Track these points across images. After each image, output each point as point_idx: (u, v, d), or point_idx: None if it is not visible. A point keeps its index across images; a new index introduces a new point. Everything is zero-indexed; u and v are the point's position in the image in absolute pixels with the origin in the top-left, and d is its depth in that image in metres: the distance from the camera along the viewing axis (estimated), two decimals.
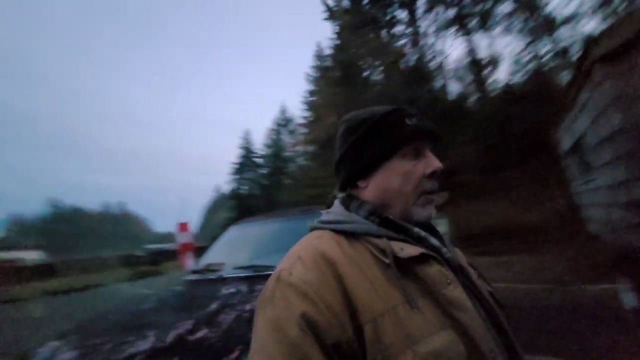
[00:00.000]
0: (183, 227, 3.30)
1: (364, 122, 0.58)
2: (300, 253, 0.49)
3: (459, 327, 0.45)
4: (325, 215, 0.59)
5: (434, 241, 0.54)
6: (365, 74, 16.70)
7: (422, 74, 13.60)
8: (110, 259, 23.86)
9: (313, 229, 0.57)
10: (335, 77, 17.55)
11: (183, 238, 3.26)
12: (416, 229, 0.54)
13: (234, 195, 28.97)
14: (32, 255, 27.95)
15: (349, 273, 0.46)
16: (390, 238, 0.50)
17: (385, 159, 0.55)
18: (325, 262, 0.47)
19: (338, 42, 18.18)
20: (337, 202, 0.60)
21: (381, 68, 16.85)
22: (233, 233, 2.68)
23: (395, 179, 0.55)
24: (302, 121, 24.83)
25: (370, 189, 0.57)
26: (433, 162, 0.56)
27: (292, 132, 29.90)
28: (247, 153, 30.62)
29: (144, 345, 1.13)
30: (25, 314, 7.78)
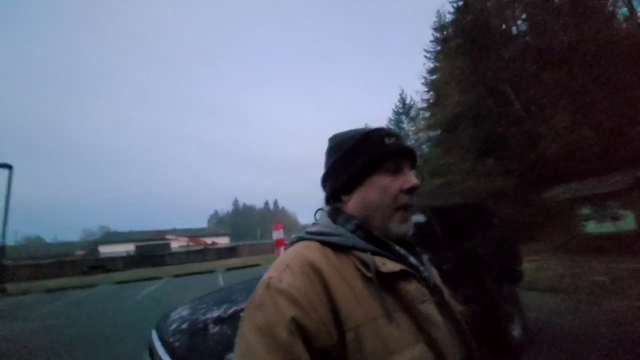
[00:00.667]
0: (277, 227, 4.05)
1: (347, 140, 0.62)
2: (289, 262, 0.51)
3: (431, 341, 0.48)
4: (313, 226, 0.62)
5: (413, 260, 0.57)
6: (501, 29, 13.50)
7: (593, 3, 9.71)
8: (268, 245, 30.36)
9: (300, 239, 0.59)
10: (459, 44, 15.08)
11: (276, 235, 3.99)
12: (397, 247, 0.57)
13: None
14: (223, 240, 39.12)
15: (334, 282, 0.48)
16: (374, 253, 0.53)
17: (366, 175, 0.58)
18: (312, 270, 0.49)
19: (460, 3, 15.50)
20: (324, 215, 0.63)
21: (523, 16, 13.19)
22: None
23: (374, 193, 0.58)
24: (423, 105, 22.98)
25: (353, 203, 0.60)
26: (410, 179, 0.59)
27: (413, 119, 28.12)
28: None
29: (216, 313, 1.52)
30: (214, 282, 11.19)
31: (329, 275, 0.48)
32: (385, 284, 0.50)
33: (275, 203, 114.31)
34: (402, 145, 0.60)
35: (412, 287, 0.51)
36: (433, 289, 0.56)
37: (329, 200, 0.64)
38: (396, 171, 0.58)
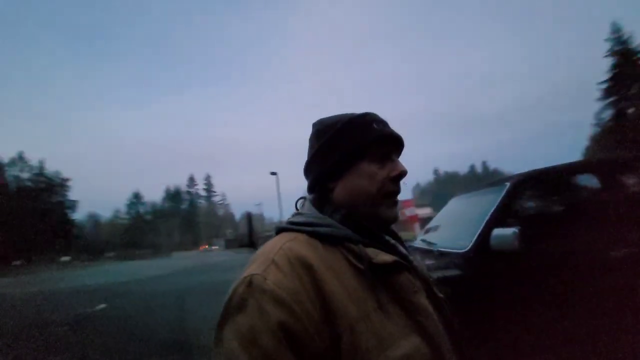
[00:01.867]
0: (407, 203, 3.87)
1: (333, 125, 0.60)
2: (275, 256, 0.47)
3: (424, 332, 0.47)
4: (296, 217, 0.58)
5: (402, 249, 0.57)
6: None
7: None
8: None
9: (282, 230, 0.56)
10: None
11: (408, 212, 3.84)
12: (387, 237, 0.57)
13: (615, 127, 20.05)
14: (424, 211, 39.61)
15: (326, 278, 0.45)
16: (365, 244, 0.52)
17: (353, 161, 0.57)
18: (302, 266, 0.45)
19: None
20: (307, 204, 0.60)
21: None
22: (450, 206, 2.89)
23: (362, 180, 0.56)
24: None
25: (339, 191, 0.58)
26: (399, 166, 0.58)
27: None
28: (625, 57, 19.66)
29: None
30: None
31: (320, 271, 0.45)
32: (377, 275, 0.48)
33: (484, 165, 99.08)
34: (391, 131, 0.59)
35: (403, 278, 0.50)
36: (422, 279, 0.55)
37: (312, 188, 0.62)
38: (384, 158, 0.57)
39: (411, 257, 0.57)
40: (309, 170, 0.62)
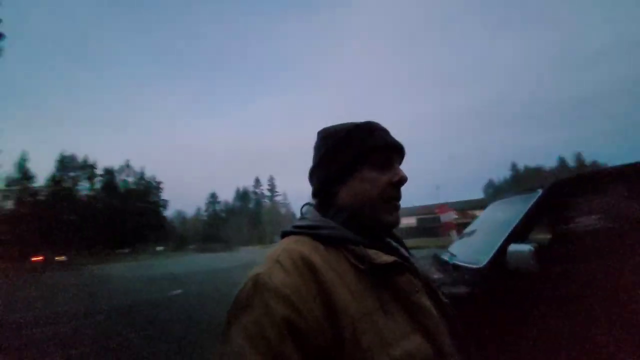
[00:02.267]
0: (442, 209, 3.52)
1: (336, 133, 0.62)
2: (279, 257, 0.49)
3: (426, 332, 0.48)
4: (300, 221, 0.60)
5: (404, 251, 0.60)
6: None
7: None
8: None
9: (287, 233, 0.58)
10: None
11: (445, 218, 3.49)
12: (388, 239, 0.59)
13: None
14: None
15: (328, 278, 0.46)
16: (366, 245, 0.53)
17: (355, 167, 0.58)
18: (305, 265, 0.47)
19: None
20: (311, 209, 0.62)
21: None
22: (486, 212, 2.63)
23: (364, 185, 0.58)
24: None
25: (342, 195, 0.59)
26: (400, 173, 0.60)
27: None
28: None
29: None
30: None
31: (322, 270, 0.47)
32: (378, 276, 0.49)
33: (578, 157, 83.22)
34: (392, 139, 0.61)
35: (404, 279, 0.51)
36: (423, 280, 0.56)
37: (316, 194, 0.64)
38: (385, 165, 0.59)
39: (412, 259, 0.59)
40: (313, 176, 0.65)
